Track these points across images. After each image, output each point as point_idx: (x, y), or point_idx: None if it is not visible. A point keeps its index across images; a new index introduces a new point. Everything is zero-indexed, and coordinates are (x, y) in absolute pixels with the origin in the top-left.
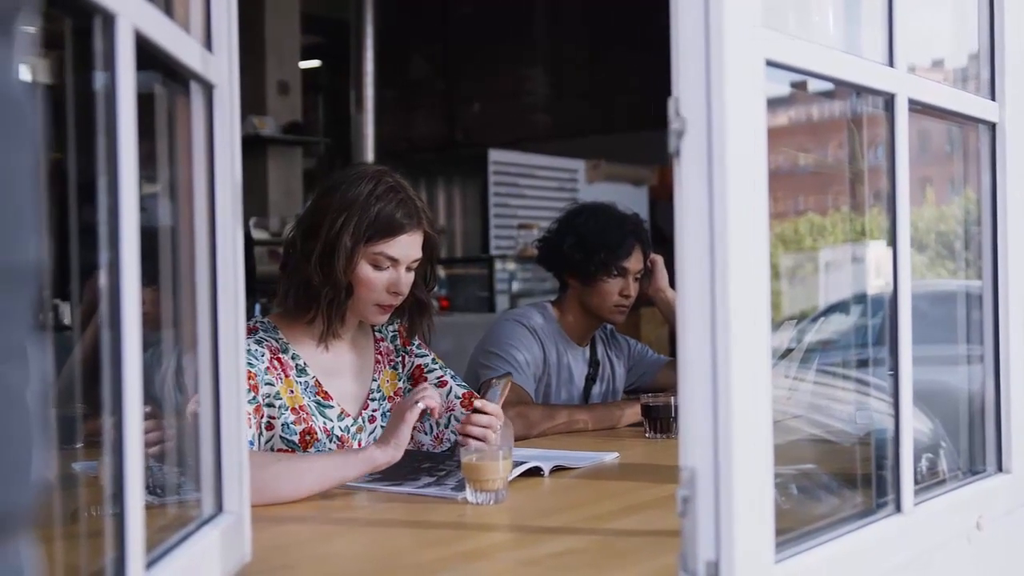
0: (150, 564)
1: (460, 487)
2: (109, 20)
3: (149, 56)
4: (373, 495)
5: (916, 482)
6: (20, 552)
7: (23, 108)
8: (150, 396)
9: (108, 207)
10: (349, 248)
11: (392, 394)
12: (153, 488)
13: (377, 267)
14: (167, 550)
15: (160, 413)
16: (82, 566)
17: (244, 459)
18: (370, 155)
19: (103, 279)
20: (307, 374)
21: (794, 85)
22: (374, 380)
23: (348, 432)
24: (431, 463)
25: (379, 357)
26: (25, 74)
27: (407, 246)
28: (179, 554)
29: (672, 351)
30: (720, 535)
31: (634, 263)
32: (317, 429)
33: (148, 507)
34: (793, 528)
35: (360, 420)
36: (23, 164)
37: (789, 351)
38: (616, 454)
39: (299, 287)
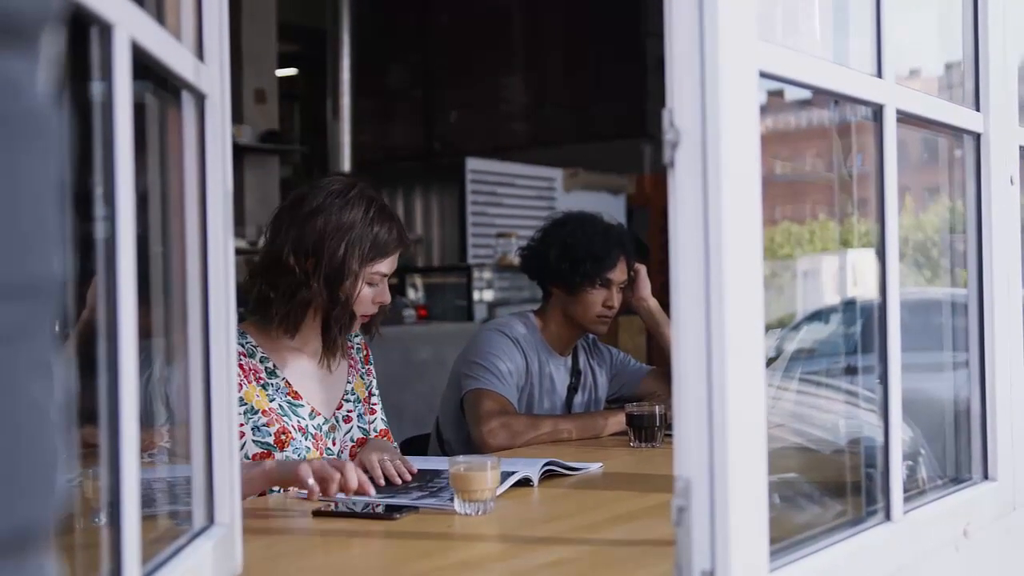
0: None
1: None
2: (106, 30)
3: (142, 65)
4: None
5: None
6: (44, 566)
7: (49, 122)
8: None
9: (105, 217)
10: (357, 272)
11: (363, 399)
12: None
13: (371, 284)
14: (161, 563)
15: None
16: None
17: (236, 471)
18: (347, 164)
19: (99, 290)
20: (277, 376)
21: (771, 93)
22: (348, 382)
23: (321, 431)
24: (419, 481)
25: (352, 362)
26: (50, 86)
27: (395, 261)
28: (173, 567)
29: (651, 360)
30: (715, 544)
31: (619, 274)
32: (291, 428)
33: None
34: (786, 537)
35: (333, 420)
36: (48, 178)
37: (771, 360)
38: (600, 464)
39: (300, 307)
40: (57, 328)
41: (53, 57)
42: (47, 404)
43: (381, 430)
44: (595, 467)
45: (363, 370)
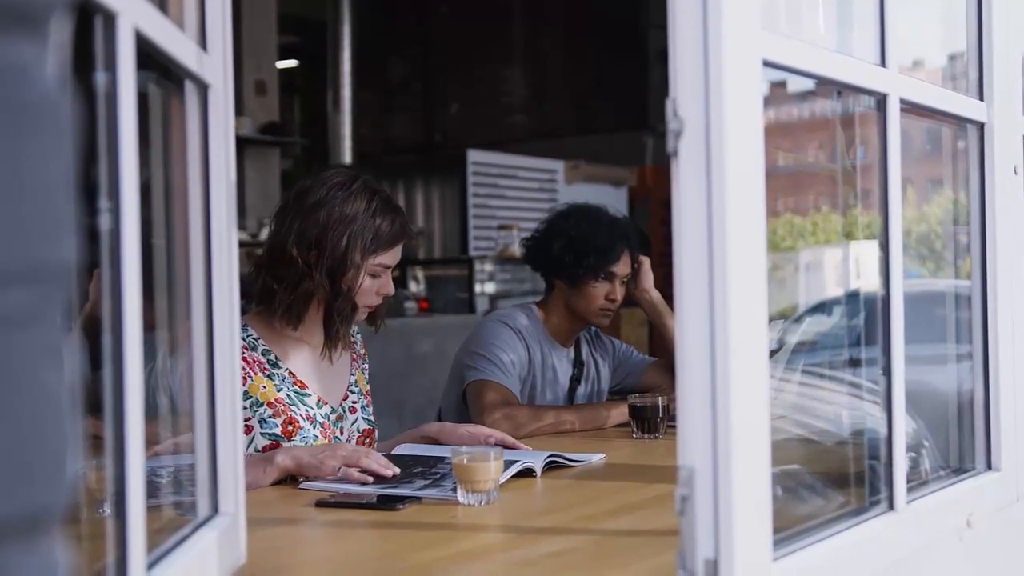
0: (150, 566)
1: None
2: (110, 19)
3: (145, 55)
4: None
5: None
6: (54, 551)
7: (59, 108)
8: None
9: (109, 208)
10: (359, 264)
11: (364, 392)
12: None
13: (373, 276)
14: (165, 552)
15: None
16: (80, 568)
17: (240, 461)
18: (348, 156)
19: (104, 281)
20: (281, 367)
21: (774, 84)
22: (352, 375)
23: (329, 419)
24: (423, 467)
25: (354, 355)
26: (59, 72)
27: (398, 253)
28: (177, 556)
29: (653, 351)
30: (719, 533)
31: (622, 268)
32: (298, 417)
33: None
34: (789, 527)
35: (340, 409)
36: (60, 164)
37: (773, 352)
38: (603, 455)
39: (303, 299)
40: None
41: (62, 43)
42: (58, 389)
43: (365, 429)
44: (597, 458)
45: (363, 366)
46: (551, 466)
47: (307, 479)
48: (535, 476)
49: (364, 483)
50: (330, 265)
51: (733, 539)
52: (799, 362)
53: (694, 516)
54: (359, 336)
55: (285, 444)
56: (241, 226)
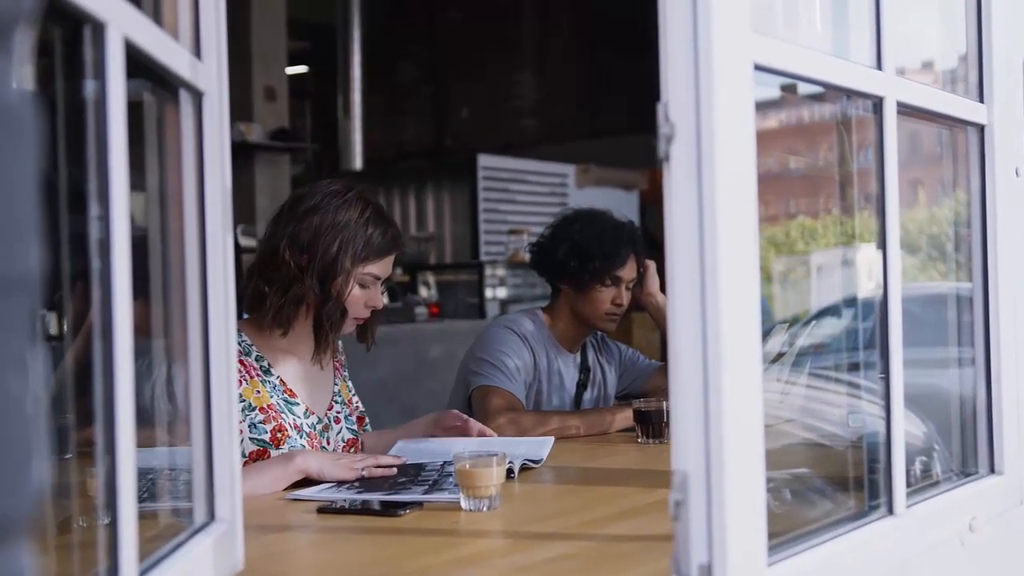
0: (143, 573)
1: (458, 490)
2: (99, 28)
3: (138, 64)
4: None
5: (909, 485)
6: (20, 558)
7: (23, 118)
8: (140, 406)
9: (99, 216)
10: (348, 270)
11: (347, 401)
12: (143, 496)
13: (362, 286)
14: (160, 559)
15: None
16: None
17: (236, 468)
18: (358, 161)
19: (94, 289)
20: (272, 375)
21: (784, 88)
22: (335, 384)
23: (315, 429)
24: (406, 477)
25: (337, 365)
26: (24, 83)
27: (390, 265)
28: (172, 563)
29: (663, 356)
30: (713, 538)
31: (628, 272)
32: (287, 426)
33: (139, 516)
34: (786, 531)
35: (326, 419)
36: (24, 174)
37: (781, 355)
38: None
39: (293, 303)
40: (65, 327)
41: (28, 54)
42: (23, 397)
43: (349, 439)
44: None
45: (345, 374)
46: (525, 464)
47: (294, 489)
48: (513, 478)
49: (386, 476)
50: (321, 269)
51: (727, 543)
52: (807, 365)
53: (688, 520)
54: (340, 343)
55: (273, 451)
56: (251, 232)
